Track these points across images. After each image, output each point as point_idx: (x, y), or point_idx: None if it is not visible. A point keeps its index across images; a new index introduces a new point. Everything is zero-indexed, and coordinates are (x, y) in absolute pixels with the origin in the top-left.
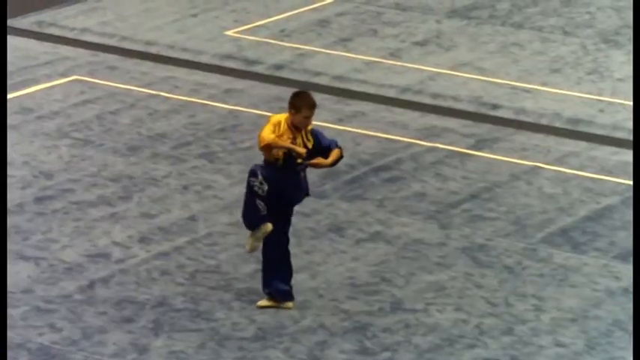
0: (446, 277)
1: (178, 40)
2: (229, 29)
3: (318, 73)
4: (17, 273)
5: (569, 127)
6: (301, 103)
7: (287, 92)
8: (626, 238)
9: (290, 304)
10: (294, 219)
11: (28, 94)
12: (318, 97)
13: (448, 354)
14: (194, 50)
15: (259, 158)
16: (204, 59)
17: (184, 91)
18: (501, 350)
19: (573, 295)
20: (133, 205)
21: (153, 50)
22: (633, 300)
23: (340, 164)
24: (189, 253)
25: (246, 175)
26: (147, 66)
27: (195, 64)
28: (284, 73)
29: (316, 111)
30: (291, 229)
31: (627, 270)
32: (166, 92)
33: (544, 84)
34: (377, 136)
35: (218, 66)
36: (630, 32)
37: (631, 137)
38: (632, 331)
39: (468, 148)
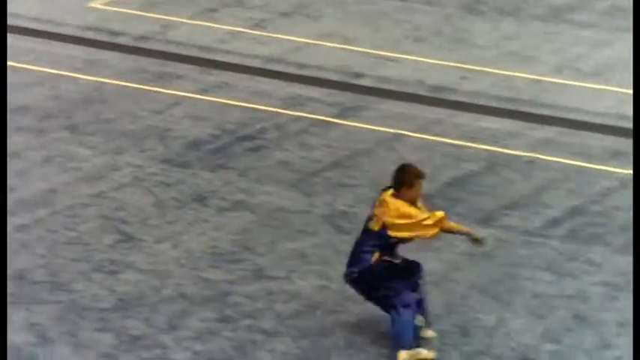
0: (308, 244)
1: (41, 12)
2: (93, 1)
3: (182, 44)
4: None
5: (432, 94)
6: (412, 177)
7: (151, 63)
8: (486, 203)
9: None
10: (157, 189)
11: None
12: (182, 67)
13: (310, 320)
14: (57, 22)
15: (121, 129)
16: (67, 31)
17: (47, 63)
18: (363, 315)
19: (435, 258)
20: None
21: (16, 22)
22: (633, 300)
23: (204, 134)
24: (49, 225)
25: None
26: (10, 38)
27: (58, 35)
28: (148, 44)
29: (180, 82)
30: (154, 200)
31: (488, 234)
32: (29, 64)
33: (407, 52)
34: (241, 106)
35: (81, 37)
36: (493, 1)
37: (494, 104)
38: (489, 294)
39: (332, 117)
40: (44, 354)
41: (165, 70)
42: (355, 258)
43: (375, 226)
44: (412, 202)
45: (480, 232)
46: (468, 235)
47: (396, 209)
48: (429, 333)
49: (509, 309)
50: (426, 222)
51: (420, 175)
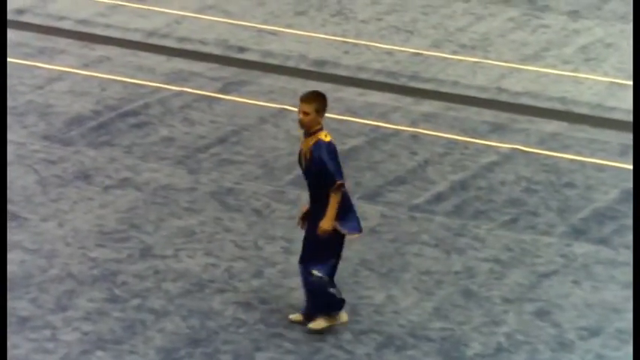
0: (195, 222)
1: None
2: None
3: (61, 17)
4: None
5: (314, 68)
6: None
7: (30, 37)
8: (371, 178)
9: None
10: (39, 167)
11: None
12: (61, 42)
13: (199, 299)
14: None
15: None
16: None
17: None
18: (251, 293)
19: None
20: None
21: None
22: (633, 300)
23: (86, 110)
24: None
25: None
26: None
27: None
28: (26, 18)
29: (61, 56)
30: (37, 178)
31: (373, 210)
32: None
33: (289, 26)
34: (123, 81)
35: None
36: None
37: (375, 78)
38: (376, 271)
39: (215, 92)
40: None
41: (45, 44)
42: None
43: None
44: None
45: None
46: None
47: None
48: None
49: (397, 286)
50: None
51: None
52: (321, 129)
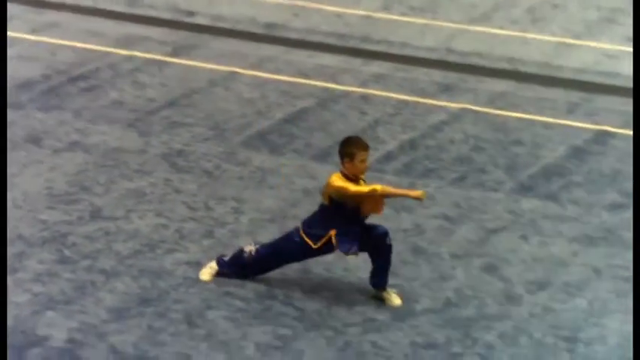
0: (146, 183)
1: None
2: None
3: None
4: None
5: (265, 32)
6: (354, 148)
7: None
8: (321, 139)
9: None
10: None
11: None
12: (12, 8)
13: (149, 259)
14: None
15: None
16: None
17: None
18: (202, 253)
19: (271, 195)
20: None
21: None
22: (633, 300)
23: (35, 74)
24: None
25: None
26: None
27: None
28: None
29: (10, 22)
30: None
31: (323, 169)
32: None
33: None
34: (73, 46)
35: None
36: None
37: (325, 40)
38: None
39: (165, 56)
40: None
41: None
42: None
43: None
44: (356, 177)
45: (417, 188)
46: (407, 196)
47: (330, 183)
48: None
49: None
50: (358, 192)
51: (360, 146)
52: None
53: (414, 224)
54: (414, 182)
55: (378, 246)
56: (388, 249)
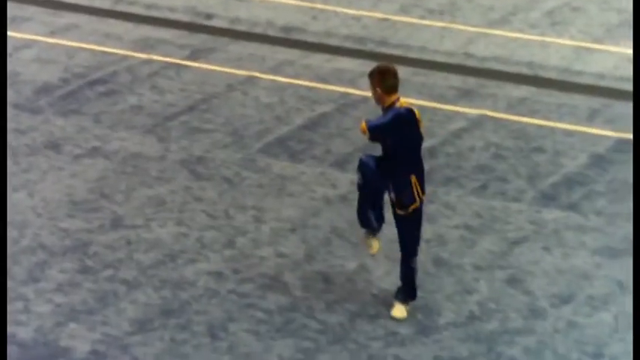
0: (166, 191)
1: None
2: None
3: None
4: None
5: (282, 35)
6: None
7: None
8: (341, 146)
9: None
10: (9, 136)
11: None
12: (29, 10)
13: (170, 269)
14: None
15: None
16: None
17: None
18: (223, 263)
19: (292, 204)
20: None
21: None
22: (633, 300)
23: (54, 78)
24: None
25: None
26: None
27: None
28: None
29: (28, 24)
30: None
31: (343, 177)
32: None
33: None
34: (91, 49)
35: None
36: None
37: (343, 44)
38: (350, 240)
39: (183, 59)
40: None
41: (12, 12)
42: None
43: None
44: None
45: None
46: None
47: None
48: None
49: (369, 254)
50: None
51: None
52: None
53: (436, 234)
54: (435, 190)
55: None
56: None
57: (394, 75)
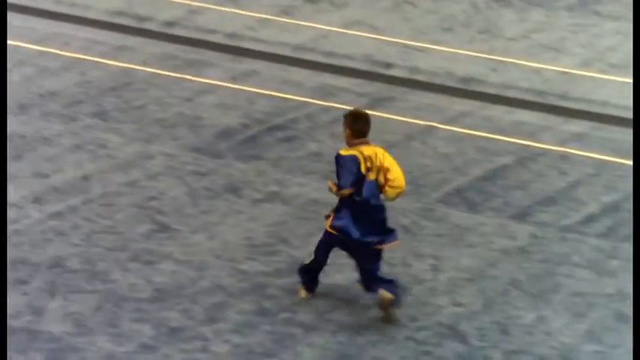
0: None
1: None
2: None
3: (210, 31)
4: None
5: (461, 86)
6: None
7: (179, 49)
8: (520, 198)
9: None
10: (190, 178)
11: None
12: (211, 55)
13: (346, 314)
14: (83, 5)
15: (151, 116)
16: (93, 15)
17: (75, 48)
18: (400, 310)
19: (470, 254)
20: (25, 164)
21: (40, 5)
22: (633, 299)
23: (234, 123)
24: (84, 213)
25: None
26: (35, 22)
27: (85, 20)
28: (176, 30)
29: (210, 69)
30: (187, 189)
31: (522, 229)
32: (56, 49)
33: (436, 42)
34: (271, 95)
35: (108, 22)
36: None
37: (523, 96)
38: (529, 292)
39: (362, 108)
40: (84, 344)
41: (194, 57)
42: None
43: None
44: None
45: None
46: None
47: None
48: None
49: (548, 307)
50: None
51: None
52: (354, 145)
53: (618, 289)
54: (617, 246)
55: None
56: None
57: (365, 121)
